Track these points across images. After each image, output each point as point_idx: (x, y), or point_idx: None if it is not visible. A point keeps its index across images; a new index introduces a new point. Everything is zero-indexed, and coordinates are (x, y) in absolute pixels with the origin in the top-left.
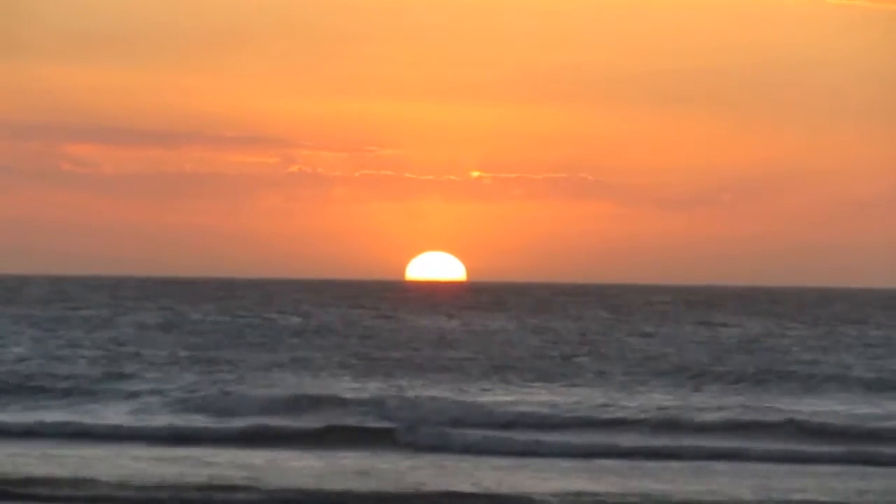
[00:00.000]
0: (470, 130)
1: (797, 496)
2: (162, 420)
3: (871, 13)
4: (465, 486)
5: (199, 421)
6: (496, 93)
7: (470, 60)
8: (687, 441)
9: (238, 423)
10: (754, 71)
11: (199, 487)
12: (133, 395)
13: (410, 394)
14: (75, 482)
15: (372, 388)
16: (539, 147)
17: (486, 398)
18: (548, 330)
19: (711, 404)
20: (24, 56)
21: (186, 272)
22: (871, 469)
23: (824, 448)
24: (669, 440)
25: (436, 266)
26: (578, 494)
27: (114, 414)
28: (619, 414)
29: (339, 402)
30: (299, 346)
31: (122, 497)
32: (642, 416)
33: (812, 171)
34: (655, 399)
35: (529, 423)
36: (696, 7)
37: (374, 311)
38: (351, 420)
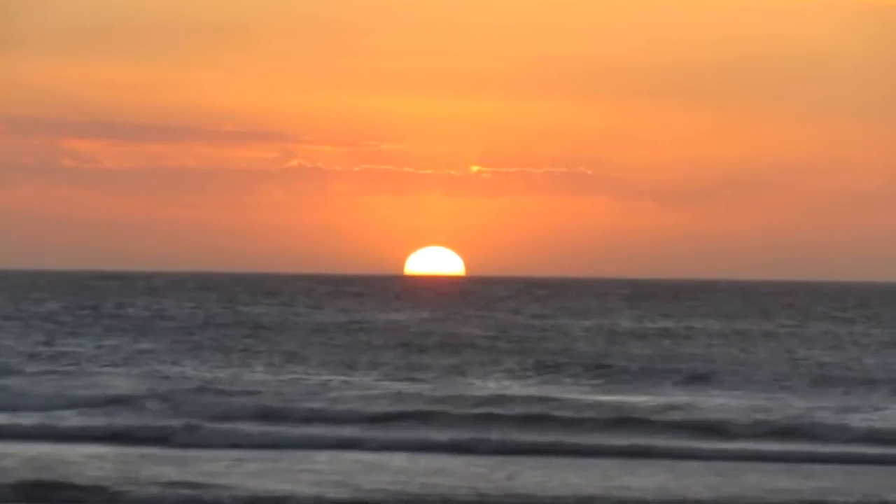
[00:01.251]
0: (469, 125)
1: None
2: None
3: (873, 8)
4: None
5: None
6: (496, 87)
7: (469, 55)
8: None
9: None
10: (755, 65)
11: None
12: None
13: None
14: None
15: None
16: (538, 142)
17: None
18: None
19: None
20: (25, 51)
21: (186, 267)
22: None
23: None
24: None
25: (435, 261)
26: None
27: None
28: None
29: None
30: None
31: None
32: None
33: (813, 165)
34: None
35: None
36: (697, 1)
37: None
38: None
